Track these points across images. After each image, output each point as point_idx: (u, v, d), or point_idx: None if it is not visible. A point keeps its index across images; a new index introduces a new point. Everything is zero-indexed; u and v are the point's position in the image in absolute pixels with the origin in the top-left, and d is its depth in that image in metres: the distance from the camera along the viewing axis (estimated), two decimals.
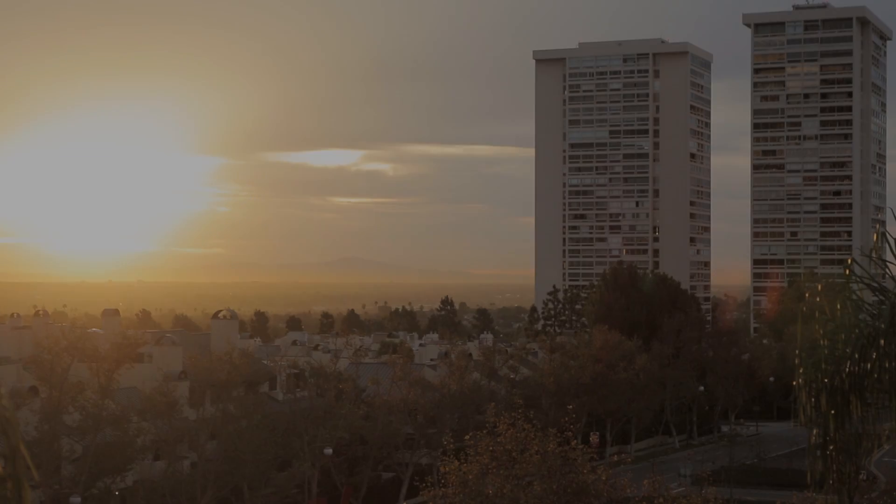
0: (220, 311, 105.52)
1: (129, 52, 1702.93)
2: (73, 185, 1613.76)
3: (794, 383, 20.04)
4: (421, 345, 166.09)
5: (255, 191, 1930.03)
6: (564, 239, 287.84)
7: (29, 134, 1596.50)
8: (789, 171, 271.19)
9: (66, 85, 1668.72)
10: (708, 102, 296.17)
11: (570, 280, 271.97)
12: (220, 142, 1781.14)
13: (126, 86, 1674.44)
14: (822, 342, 19.42)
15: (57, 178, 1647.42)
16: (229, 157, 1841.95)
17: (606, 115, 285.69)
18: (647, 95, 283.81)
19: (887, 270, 20.45)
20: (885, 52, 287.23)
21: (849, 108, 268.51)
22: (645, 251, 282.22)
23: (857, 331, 19.07)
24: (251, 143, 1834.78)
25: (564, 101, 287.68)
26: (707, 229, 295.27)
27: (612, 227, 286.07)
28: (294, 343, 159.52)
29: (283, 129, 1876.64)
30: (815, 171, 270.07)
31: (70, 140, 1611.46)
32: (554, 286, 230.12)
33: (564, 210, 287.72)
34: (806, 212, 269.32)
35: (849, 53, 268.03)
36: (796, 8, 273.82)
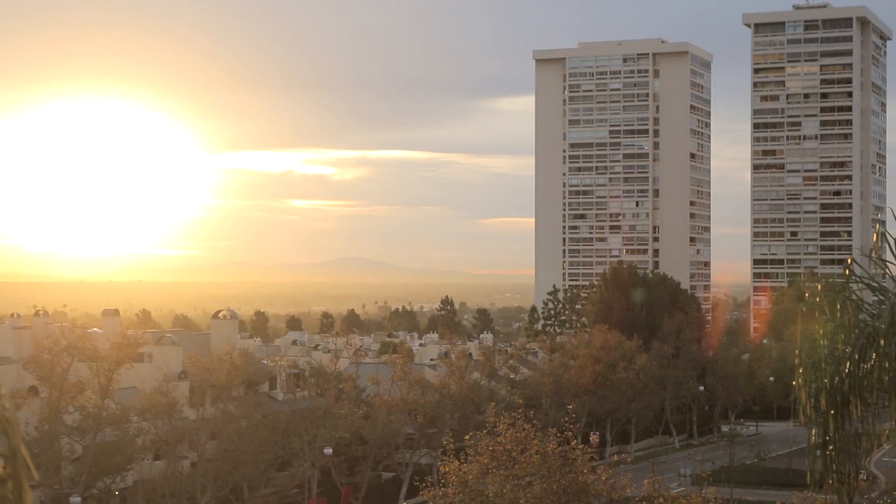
0: (220, 311, 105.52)
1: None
2: (56, 186, 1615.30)
3: (794, 383, 20.03)
4: (421, 345, 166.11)
5: (210, 192, 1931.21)
6: (564, 239, 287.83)
7: (19, 136, 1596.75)
8: (789, 171, 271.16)
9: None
10: (708, 102, 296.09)
11: (570, 280, 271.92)
12: (154, 144, 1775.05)
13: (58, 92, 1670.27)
14: (821, 342, 19.41)
15: (46, 181, 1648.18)
16: (164, 158, 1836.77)
17: (606, 115, 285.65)
18: (647, 95, 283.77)
19: (887, 270, 20.44)
20: (885, 52, 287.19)
21: (849, 108, 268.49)
22: (645, 251, 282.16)
23: (857, 331, 19.06)
24: (180, 145, 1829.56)
25: (564, 101, 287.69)
26: (707, 229, 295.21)
27: (612, 227, 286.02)
28: (294, 343, 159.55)
29: (207, 132, 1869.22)
30: (815, 171, 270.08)
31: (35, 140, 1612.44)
32: (554, 286, 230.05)
33: (564, 210, 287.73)
34: (806, 212, 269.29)
35: (849, 53, 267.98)
36: (796, 8, 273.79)
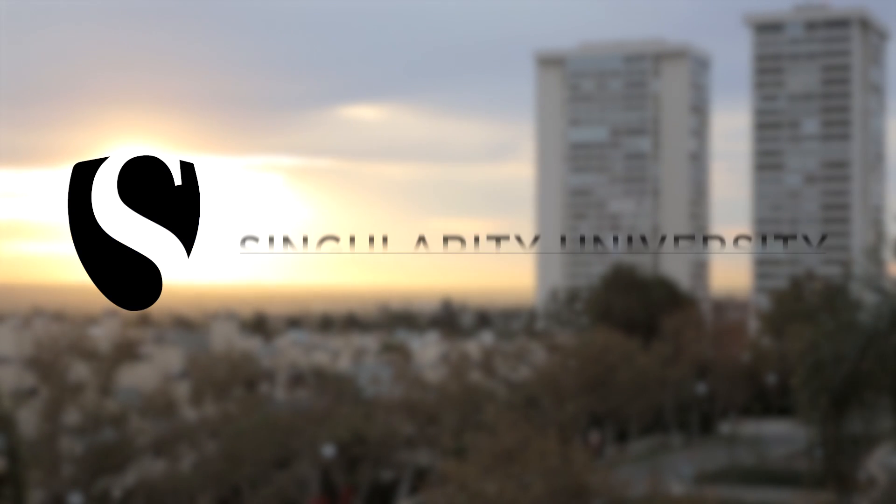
0: (220, 311, 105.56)
1: None
2: None
3: (794, 384, 20.04)
4: (421, 345, 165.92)
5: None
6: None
7: None
8: (789, 171, 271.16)
9: None
10: (708, 102, 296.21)
11: (570, 280, 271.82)
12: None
13: None
14: (822, 342, 19.41)
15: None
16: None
17: (606, 115, 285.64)
18: (648, 95, 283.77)
19: (887, 270, 20.45)
20: (885, 52, 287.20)
21: (849, 108, 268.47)
22: (645, 251, 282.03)
23: (857, 331, 19.06)
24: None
25: (565, 101, 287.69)
26: (707, 229, 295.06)
27: (612, 228, 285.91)
28: (294, 343, 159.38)
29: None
30: (815, 171, 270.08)
31: None
32: (554, 286, 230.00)
33: (564, 210, 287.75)
34: (806, 212, 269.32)
35: (849, 53, 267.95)
36: (796, 8, 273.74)
